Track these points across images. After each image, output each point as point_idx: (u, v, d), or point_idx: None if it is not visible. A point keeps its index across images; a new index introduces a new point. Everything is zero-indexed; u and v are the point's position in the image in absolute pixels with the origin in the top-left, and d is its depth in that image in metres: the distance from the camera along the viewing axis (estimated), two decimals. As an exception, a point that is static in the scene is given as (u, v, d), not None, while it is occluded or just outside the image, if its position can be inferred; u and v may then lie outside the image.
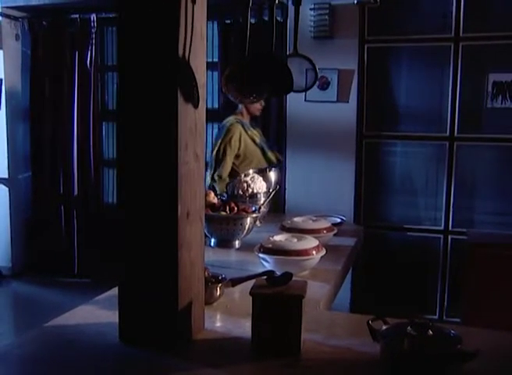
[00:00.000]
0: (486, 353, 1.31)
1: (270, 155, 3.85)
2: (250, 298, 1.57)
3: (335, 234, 2.74)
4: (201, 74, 1.54)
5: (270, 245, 2.25)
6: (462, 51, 3.93)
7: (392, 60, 4.20)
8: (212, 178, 3.78)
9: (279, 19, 4.38)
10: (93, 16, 4.88)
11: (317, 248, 2.24)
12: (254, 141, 3.80)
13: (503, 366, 1.41)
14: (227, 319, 1.76)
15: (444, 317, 4.22)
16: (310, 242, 2.25)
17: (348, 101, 4.18)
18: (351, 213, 4.24)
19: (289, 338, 1.44)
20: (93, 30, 4.91)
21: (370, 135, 4.24)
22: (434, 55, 4.07)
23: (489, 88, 3.89)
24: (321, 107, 4.21)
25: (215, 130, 4.19)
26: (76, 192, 5.14)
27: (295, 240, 2.28)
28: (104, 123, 5.22)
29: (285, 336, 1.44)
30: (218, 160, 3.74)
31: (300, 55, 2.27)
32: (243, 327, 1.66)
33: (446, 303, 4.22)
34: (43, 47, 5.07)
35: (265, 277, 1.52)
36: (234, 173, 3.67)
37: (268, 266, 2.23)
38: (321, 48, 4.13)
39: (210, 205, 2.40)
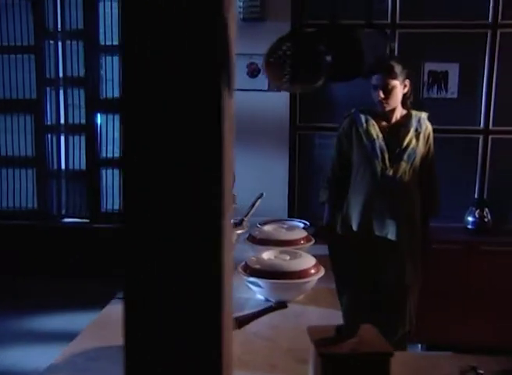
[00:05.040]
0: None
1: (379, 164, 2.70)
2: (266, 342, 1.18)
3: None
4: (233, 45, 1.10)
5: (258, 266, 1.86)
6: (399, 38, 3.78)
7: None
8: None
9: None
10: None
11: (316, 266, 1.89)
12: (361, 142, 2.77)
13: None
14: (249, 377, 1.35)
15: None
16: (306, 260, 1.89)
17: (280, 90, 3.85)
18: (285, 211, 3.95)
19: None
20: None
21: (304, 127, 3.96)
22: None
23: (425, 78, 3.79)
24: (251, 96, 3.84)
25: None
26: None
27: (287, 257, 1.91)
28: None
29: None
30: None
31: (374, 25, 1.80)
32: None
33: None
34: None
35: (336, 328, 1.13)
36: (343, 182, 2.86)
37: (258, 292, 1.84)
38: (250, 31, 3.76)
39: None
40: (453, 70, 3.76)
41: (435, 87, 3.78)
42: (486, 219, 3.60)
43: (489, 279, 3.42)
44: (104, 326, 1.65)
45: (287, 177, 3.95)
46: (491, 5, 3.68)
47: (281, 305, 1.56)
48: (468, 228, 3.63)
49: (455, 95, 3.79)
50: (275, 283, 1.78)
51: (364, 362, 1.07)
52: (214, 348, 1.02)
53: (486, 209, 3.62)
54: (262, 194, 2.30)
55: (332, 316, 1.73)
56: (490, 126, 3.81)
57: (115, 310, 1.79)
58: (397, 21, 3.76)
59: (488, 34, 3.72)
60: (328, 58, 1.40)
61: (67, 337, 3.77)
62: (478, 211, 3.62)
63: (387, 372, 1.08)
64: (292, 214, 4.01)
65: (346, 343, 1.11)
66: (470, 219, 3.63)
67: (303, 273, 1.82)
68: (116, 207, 4.58)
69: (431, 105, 3.84)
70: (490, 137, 3.82)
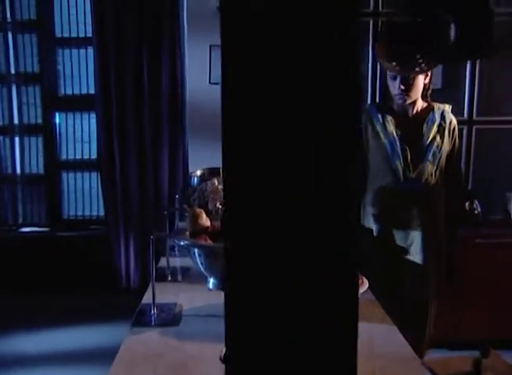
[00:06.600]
0: None
1: (400, 165, 2.41)
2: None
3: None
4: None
5: (295, 280, 1.64)
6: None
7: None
8: None
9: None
10: None
11: (359, 278, 1.70)
12: (378, 141, 2.45)
13: None
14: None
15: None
16: (348, 270, 1.69)
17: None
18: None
19: None
20: None
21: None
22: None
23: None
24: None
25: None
26: None
27: (325, 269, 1.71)
28: None
29: None
30: None
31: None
32: None
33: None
34: None
35: (473, 361, 0.94)
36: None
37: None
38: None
39: (204, 231, 1.69)
40: (437, 60, 3.67)
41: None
42: (476, 211, 3.53)
43: (486, 272, 3.35)
44: (132, 364, 1.39)
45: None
46: (473, -7, 3.61)
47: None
48: (459, 221, 3.55)
49: (439, 86, 3.69)
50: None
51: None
52: None
53: (476, 201, 3.55)
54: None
55: (390, 333, 1.55)
56: (474, 117, 3.75)
57: (137, 342, 1.53)
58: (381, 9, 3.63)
59: (471, 23, 3.65)
60: (452, 31, 1.19)
61: (37, 359, 3.43)
62: (467, 203, 3.54)
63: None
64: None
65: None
66: (460, 212, 3.55)
67: (348, 287, 1.62)
68: (79, 213, 4.24)
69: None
70: (474, 127, 3.76)
